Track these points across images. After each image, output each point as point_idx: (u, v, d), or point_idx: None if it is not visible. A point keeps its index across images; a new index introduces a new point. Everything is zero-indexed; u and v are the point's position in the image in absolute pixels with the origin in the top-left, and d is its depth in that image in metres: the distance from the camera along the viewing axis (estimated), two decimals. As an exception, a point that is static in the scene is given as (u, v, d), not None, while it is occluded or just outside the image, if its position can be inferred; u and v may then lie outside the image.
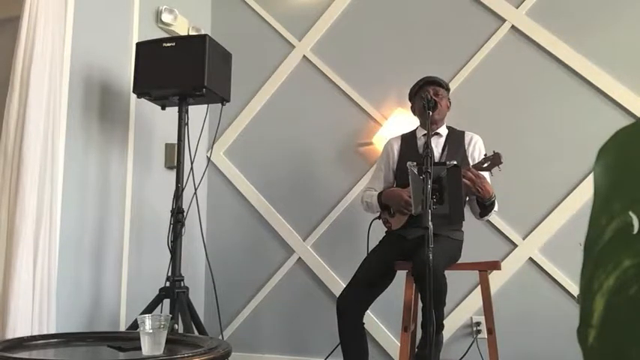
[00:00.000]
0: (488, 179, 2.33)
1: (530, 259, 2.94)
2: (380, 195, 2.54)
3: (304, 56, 3.53)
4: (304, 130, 3.48)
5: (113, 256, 2.90)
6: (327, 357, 2.96)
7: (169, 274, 2.57)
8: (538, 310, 2.87)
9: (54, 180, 2.43)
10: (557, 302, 2.85)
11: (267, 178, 3.53)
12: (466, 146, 2.52)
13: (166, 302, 2.53)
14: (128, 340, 1.87)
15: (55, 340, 1.93)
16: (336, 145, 3.39)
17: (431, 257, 1.81)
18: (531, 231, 2.96)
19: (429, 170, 1.90)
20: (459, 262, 2.46)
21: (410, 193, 2.16)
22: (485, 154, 2.30)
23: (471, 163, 2.40)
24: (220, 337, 2.74)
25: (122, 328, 2.85)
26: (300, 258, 3.38)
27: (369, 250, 2.57)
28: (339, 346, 2.42)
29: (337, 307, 2.41)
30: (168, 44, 2.62)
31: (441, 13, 3.28)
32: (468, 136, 2.55)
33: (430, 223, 1.82)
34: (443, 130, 2.57)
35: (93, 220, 2.79)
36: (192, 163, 2.73)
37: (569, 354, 2.25)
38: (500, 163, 2.21)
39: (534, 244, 2.94)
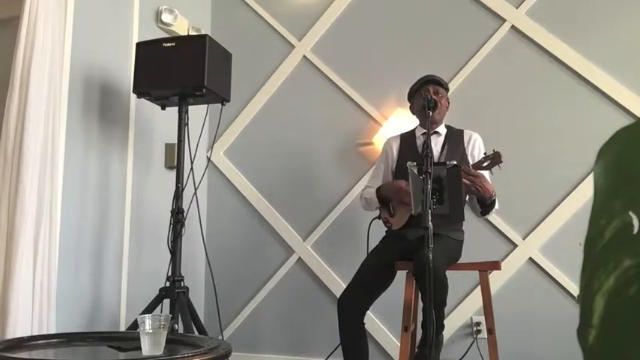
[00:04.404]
0: (488, 178, 2.33)
1: (530, 259, 2.94)
2: (378, 190, 2.53)
3: (304, 56, 3.53)
4: (304, 130, 3.48)
5: (113, 256, 2.90)
6: (327, 357, 2.96)
7: (169, 274, 2.57)
8: (538, 310, 2.87)
9: (54, 180, 2.43)
10: (557, 302, 2.85)
11: (267, 178, 3.52)
12: (465, 145, 2.51)
13: (166, 302, 2.53)
14: (128, 340, 1.87)
15: (55, 340, 1.93)
16: (336, 145, 3.39)
17: (431, 257, 1.81)
18: (531, 231, 2.96)
19: (429, 170, 1.90)
20: (459, 262, 2.46)
21: (409, 185, 2.15)
22: (485, 153, 2.29)
23: (471, 162, 2.40)
24: (220, 337, 2.74)
25: (122, 328, 2.85)
26: (300, 258, 3.38)
27: (369, 250, 2.57)
28: (340, 346, 2.42)
29: (338, 307, 2.40)
30: (168, 44, 2.63)
31: (440, 13, 3.28)
32: (467, 134, 2.55)
33: (430, 223, 1.82)
34: (442, 129, 2.56)
35: (93, 220, 2.79)
36: (192, 163, 2.73)
37: (569, 354, 2.24)
38: (501, 162, 2.21)
39: (534, 244, 2.94)
